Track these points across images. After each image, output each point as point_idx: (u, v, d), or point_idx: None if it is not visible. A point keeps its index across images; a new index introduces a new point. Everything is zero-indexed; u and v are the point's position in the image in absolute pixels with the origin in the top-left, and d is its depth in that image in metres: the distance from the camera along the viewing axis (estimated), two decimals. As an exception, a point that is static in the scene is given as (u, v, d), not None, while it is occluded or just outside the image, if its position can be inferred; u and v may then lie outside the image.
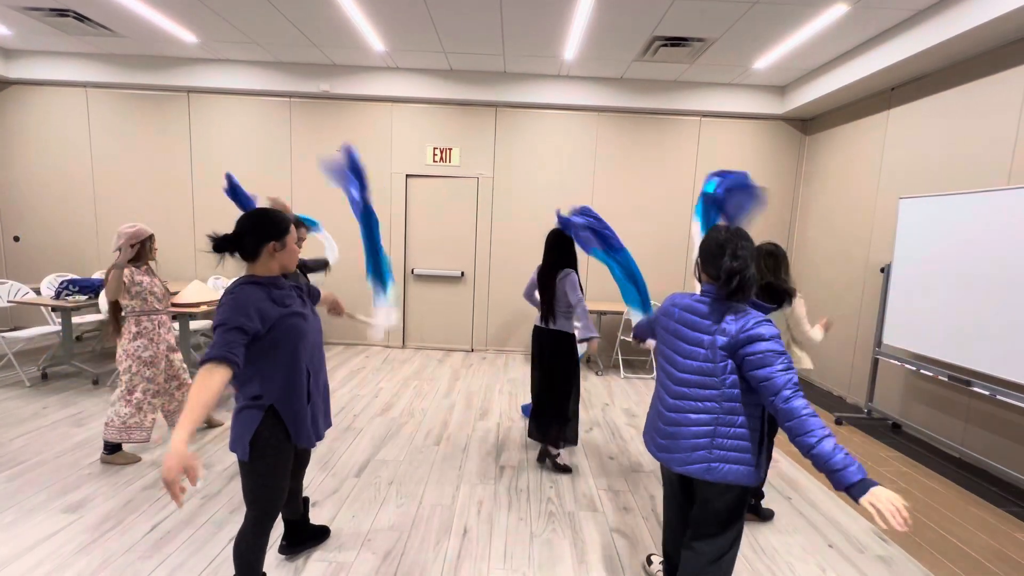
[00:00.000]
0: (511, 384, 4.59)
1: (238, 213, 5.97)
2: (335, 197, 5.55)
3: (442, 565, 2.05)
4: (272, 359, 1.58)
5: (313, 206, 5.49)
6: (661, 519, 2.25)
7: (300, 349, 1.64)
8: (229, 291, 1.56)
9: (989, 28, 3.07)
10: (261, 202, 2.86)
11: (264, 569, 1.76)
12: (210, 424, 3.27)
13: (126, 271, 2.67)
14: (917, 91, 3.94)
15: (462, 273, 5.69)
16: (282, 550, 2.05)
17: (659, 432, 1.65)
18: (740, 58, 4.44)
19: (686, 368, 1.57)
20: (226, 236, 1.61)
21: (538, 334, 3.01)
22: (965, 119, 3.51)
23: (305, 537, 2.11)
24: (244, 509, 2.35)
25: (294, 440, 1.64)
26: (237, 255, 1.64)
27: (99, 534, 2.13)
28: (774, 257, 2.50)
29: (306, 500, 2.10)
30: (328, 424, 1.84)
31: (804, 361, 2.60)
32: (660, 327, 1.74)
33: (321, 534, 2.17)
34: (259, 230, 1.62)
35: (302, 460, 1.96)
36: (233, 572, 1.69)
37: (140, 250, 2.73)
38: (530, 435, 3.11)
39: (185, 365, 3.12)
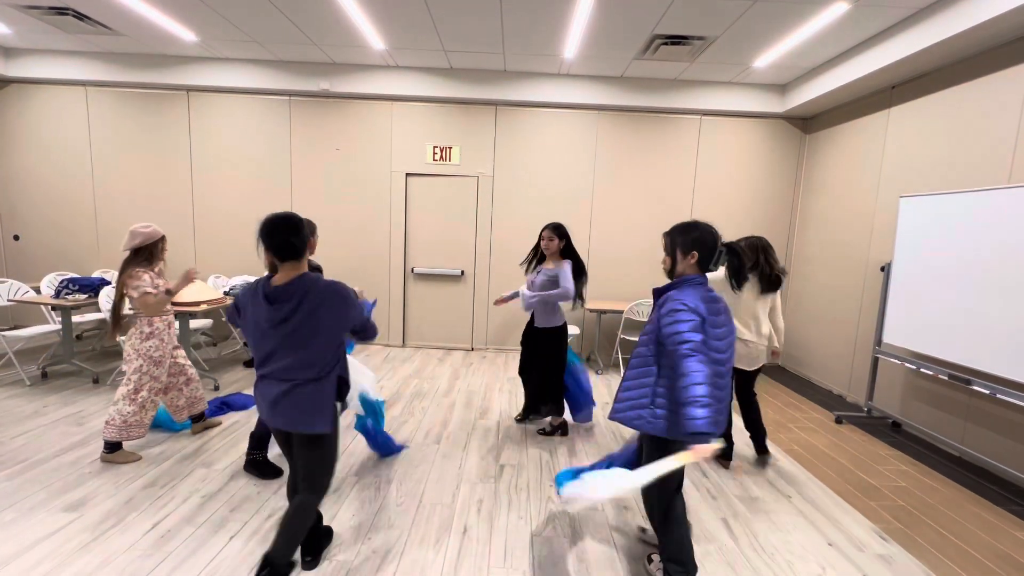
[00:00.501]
0: (511, 383, 4.58)
1: (235, 214, 5.95)
2: (332, 197, 5.55)
3: (442, 564, 2.06)
4: None
5: (311, 206, 5.49)
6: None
7: None
8: (335, 285, 1.77)
9: (989, 27, 3.06)
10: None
11: (258, 562, 1.78)
12: (208, 425, 3.26)
13: (145, 275, 2.70)
14: (918, 90, 3.94)
15: (462, 272, 5.69)
16: (307, 566, 1.97)
17: (721, 412, 1.76)
18: (740, 57, 4.43)
19: (725, 349, 1.79)
20: (286, 242, 1.72)
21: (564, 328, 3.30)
22: (966, 117, 3.50)
23: (323, 542, 2.10)
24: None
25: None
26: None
27: (99, 533, 2.14)
28: (768, 250, 2.82)
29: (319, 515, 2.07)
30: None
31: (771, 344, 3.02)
32: (704, 326, 1.70)
33: (329, 535, 2.17)
34: (303, 229, 1.77)
35: None
36: (270, 549, 1.81)
37: (152, 252, 2.77)
38: (548, 413, 3.41)
39: (189, 360, 3.14)
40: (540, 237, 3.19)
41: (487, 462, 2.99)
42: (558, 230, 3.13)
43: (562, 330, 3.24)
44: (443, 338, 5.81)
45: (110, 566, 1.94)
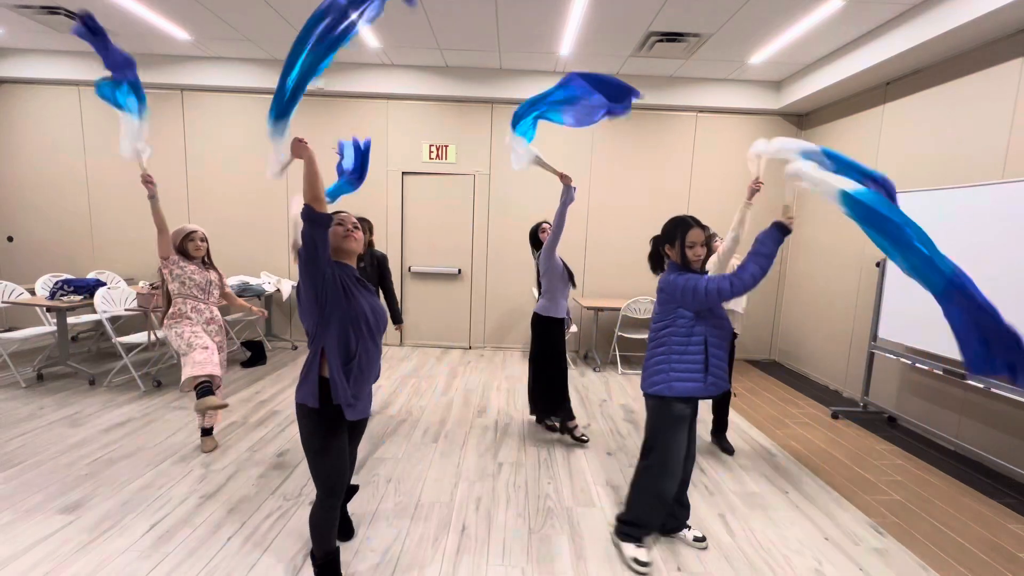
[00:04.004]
0: (508, 381, 4.59)
1: (231, 214, 5.90)
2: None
3: (441, 562, 2.06)
4: None
5: (309, 204, 5.47)
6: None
7: None
8: None
9: (982, 22, 3.07)
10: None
11: (255, 563, 1.78)
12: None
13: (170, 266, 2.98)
14: (912, 86, 3.95)
15: (459, 270, 5.68)
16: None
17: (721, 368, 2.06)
18: (736, 53, 4.44)
19: None
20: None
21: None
22: (960, 113, 3.52)
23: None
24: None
25: None
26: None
27: (97, 534, 2.13)
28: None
29: None
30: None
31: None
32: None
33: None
34: None
35: None
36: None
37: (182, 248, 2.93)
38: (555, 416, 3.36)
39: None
40: (541, 229, 3.34)
41: (485, 460, 2.99)
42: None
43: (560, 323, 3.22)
44: (441, 337, 5.80)
45: (108, 568, 1.93)
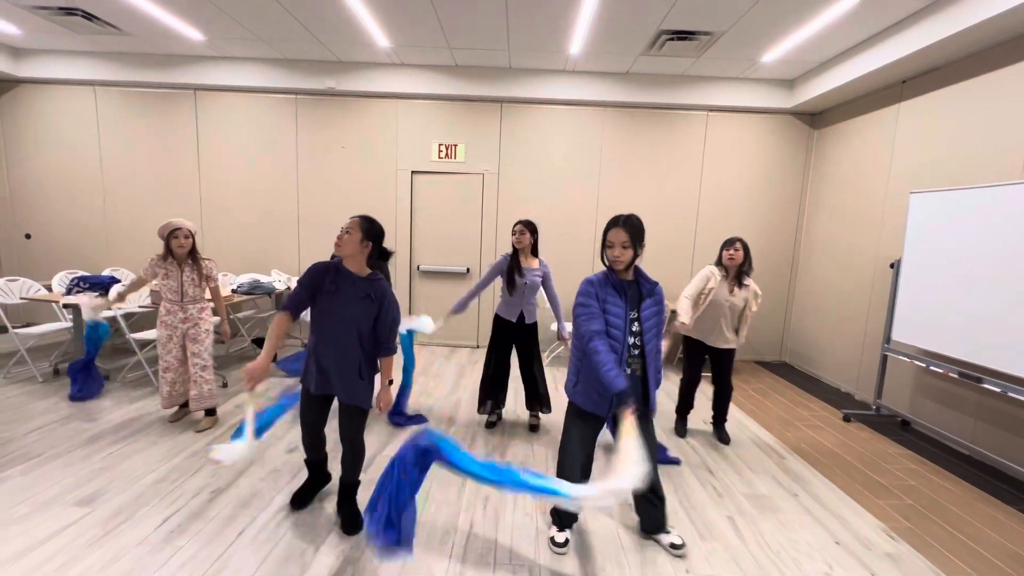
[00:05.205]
0: (515, 380, 4.57)
1: (242, 212, 5.95)
2: (338, 195, 5.57)
3: (448, 561, 2.07)
4: None
5: (317, 204, 5.52)
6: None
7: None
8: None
9: (1002, 19, 3.01)
10: None
11: (266, 557, 1.81)
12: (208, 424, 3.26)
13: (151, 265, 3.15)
14: (929, 84, 3.88)
15: (467, 269, 5.69)
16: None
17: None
18: (748, 52, 4.39)
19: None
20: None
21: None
22: (977, 112, 3.45)
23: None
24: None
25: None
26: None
27: (111, 527, 2.17)
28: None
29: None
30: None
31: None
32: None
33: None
34: None
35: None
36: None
37: (167, 245, 3.05)
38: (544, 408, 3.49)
39: (202, 358, 3.17)
40: (512, 232, 3.27)
41: (493, 459, 2.99)
42: (530, 225, 3.25)
43: None
44: (449, 336, 5.82)
45: (121, 560, 1.97)
